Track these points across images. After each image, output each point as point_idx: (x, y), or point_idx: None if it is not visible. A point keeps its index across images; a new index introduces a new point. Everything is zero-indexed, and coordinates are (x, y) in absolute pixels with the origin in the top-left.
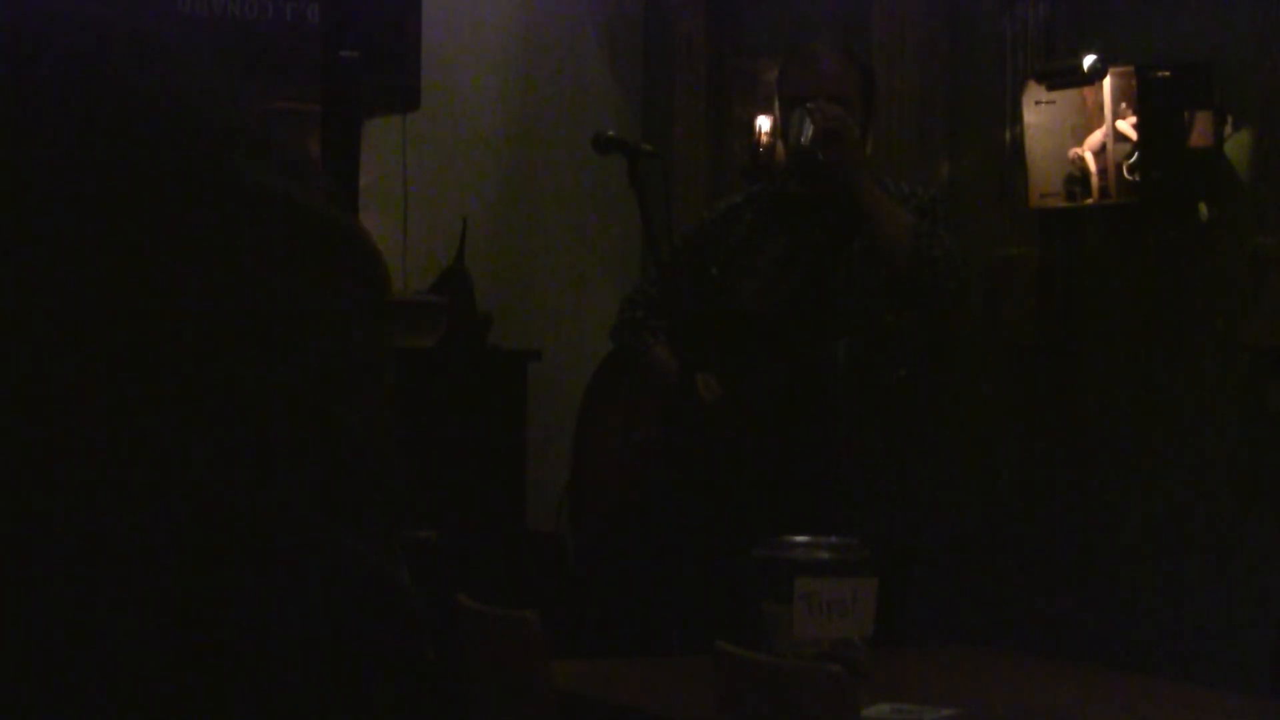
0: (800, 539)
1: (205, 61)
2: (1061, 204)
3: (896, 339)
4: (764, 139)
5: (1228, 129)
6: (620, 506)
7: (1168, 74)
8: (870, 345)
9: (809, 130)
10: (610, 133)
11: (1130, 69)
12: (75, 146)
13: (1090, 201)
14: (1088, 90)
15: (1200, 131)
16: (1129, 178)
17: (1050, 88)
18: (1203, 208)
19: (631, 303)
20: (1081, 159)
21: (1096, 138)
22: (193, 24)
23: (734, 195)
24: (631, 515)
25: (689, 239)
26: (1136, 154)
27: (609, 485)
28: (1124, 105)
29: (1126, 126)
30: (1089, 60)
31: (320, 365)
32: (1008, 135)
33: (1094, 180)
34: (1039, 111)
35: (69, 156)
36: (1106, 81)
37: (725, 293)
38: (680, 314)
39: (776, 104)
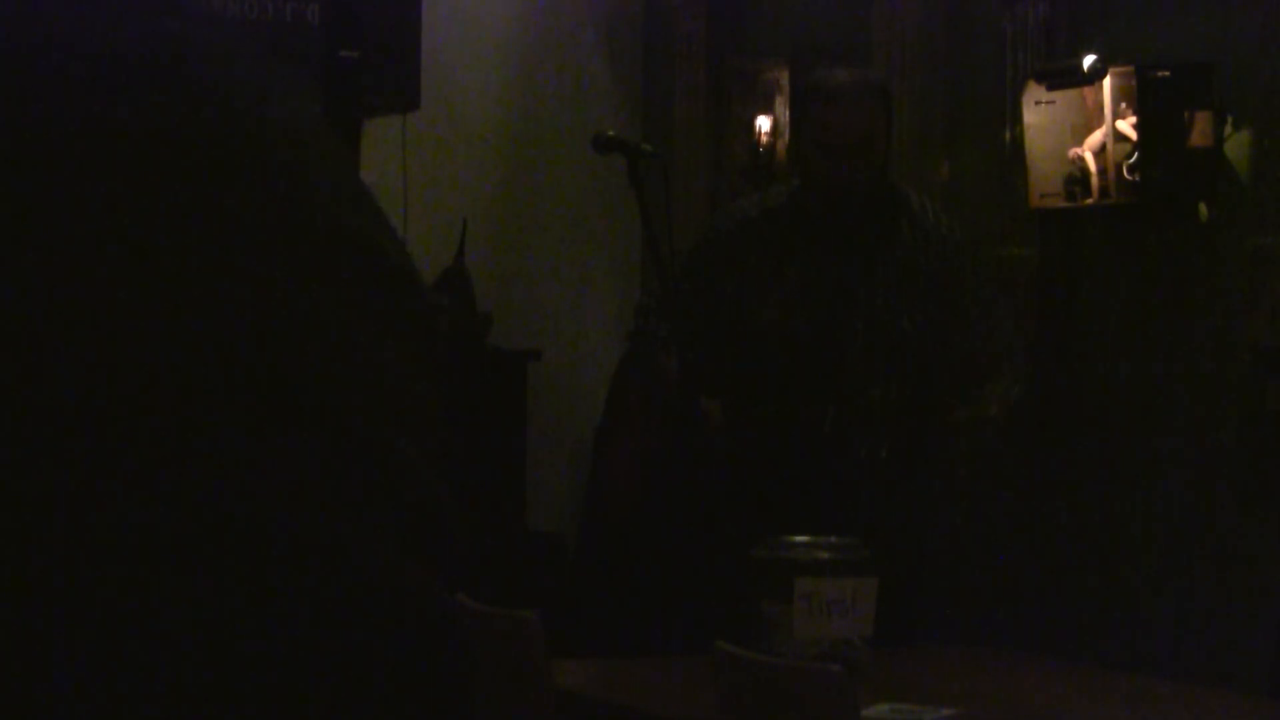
0: (800, 539)
1: (279, 75)
2: (1061, 204)
3: (882, 413)
4: (764, 139)
5: (1228, 129)
6: (630, 512)
7: (1168, 74)
8: (856, 416)
9: None
10: (610, 133)
11: (1130, 69)
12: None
13: (1090, 201)
14: (1088, 90)
15: (1200, 131)
16: (1129, 178)
17: (1050, 88)
18: (1203, 208)
19: (645, 310)
20: (1081, 159)
21: (1096, 138)
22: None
23: (748, 206)
24: (637, 521)
25: (701, 248)
26: (1136, 154)
27: (620, 491)
28: (1124, 105)
29: (1126, 126)
30: (1089, 60)
31: (368, 388)
32: (1008, 135)
33: (1094, 180)
34: (1039, 111)
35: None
36: (1106, 81)
37: (742, 314)
38: (691, 330)
39: (800, 140)
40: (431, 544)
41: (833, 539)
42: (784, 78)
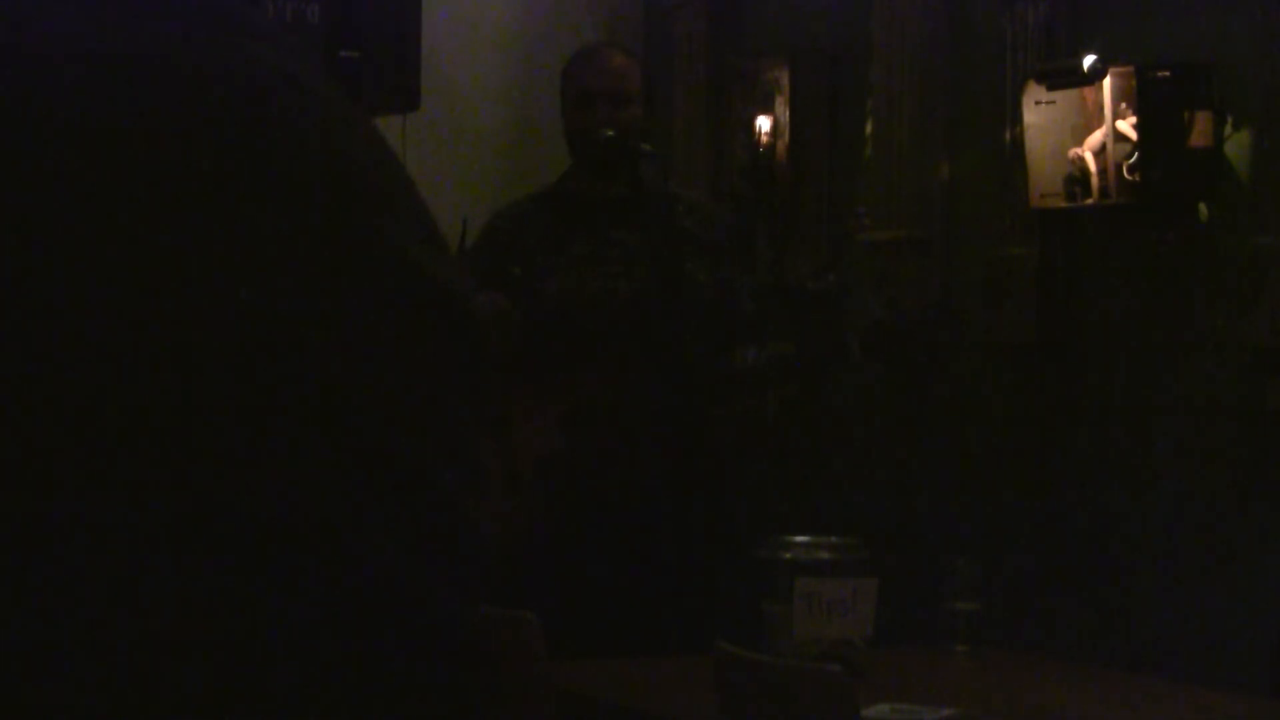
0: (800, 539)
1: (358, 112)
2: (1061, 204)
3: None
4: (764, 139)
5: (1228, 129)
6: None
7: (1168, 74)
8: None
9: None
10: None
11: (1130, 69)
12: (223, 189)
13: (1090, 201)
14: (1088, 90)
15: (1200, 131)
16: (1129, 178)
17: (1050, 88)
18: (1203, 208)
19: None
20: (1081, 159)
21: (1096, 138)
22: None
23: (521, 200)
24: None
25: (481, 245)
26: (1136, 154)
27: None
28: (1124, 105)
29: (1126, 126)
30: (1089, 60)
31: (416, 421)
32: (1008, 135)
33: (1094, 180)
34: (1039, 111)
35: (213, 200)
36: (1106, 81)
37: (529, 294)
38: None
39: (563, 102)
40: (467, 573)
41: (833, 539)
42: (784, 78)
